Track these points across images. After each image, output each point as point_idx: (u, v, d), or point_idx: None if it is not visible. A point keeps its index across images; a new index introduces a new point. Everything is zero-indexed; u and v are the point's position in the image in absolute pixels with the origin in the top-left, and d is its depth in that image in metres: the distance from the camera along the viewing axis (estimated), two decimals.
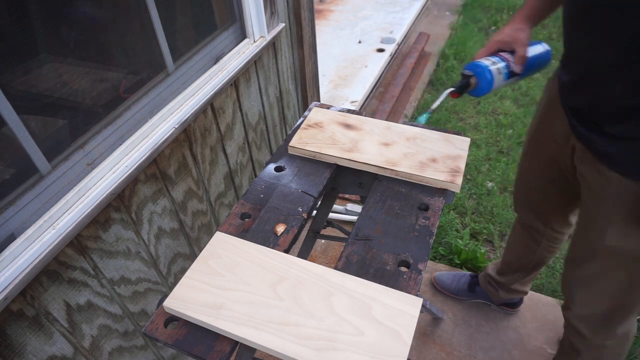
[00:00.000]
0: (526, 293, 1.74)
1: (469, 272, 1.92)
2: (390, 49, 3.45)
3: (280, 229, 0.99)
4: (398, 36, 3.61)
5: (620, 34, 0.80)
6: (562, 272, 1.27)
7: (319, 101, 2.54)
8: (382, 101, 3.03)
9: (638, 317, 1.29)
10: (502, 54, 1.08)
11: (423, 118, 1.13)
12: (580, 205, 1.12)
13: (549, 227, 1.43)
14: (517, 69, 1.06)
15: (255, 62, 1.67)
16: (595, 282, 1.11)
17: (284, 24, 1.81)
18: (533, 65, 1.10)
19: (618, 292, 1.08)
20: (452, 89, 1.08)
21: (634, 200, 0.93)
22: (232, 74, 1.50)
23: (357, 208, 2.30)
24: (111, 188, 1.10)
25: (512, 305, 1.83)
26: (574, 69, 0.97)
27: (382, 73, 3.33)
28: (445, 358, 1.75)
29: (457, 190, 1.07)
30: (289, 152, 1.20)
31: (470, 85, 1.07)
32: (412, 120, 2.59)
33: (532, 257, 1.55)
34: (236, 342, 0.82)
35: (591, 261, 1.09)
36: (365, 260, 0.92)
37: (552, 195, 1.31)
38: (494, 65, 1.05)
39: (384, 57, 3.34)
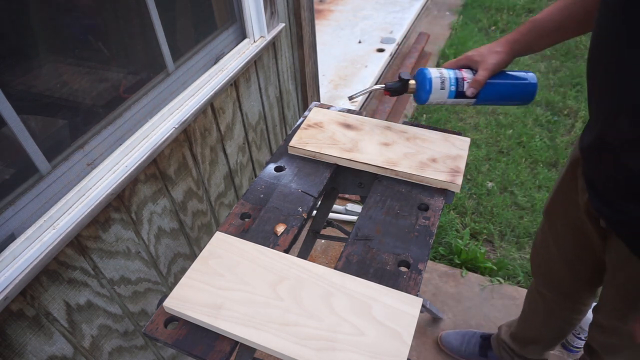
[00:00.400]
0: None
1: (479, 332, 1.72)
2: (390, 49, 3.45)
3: (280, 229, 0.99)
4: (398, 36, 3.61)
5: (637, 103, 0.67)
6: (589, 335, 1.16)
7: (319, 101, 2.54)
8: (382, 101, 3.03)
9: None
10: (464, 70, 1.02)
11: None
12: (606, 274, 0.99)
13: (571, 299, 1.26)
14: (468, 91, 0.99)
15: (255, 62, 1.67)
16: (620, 352, 1.04)
17: (284, 24, 1.81)
18: (498, 94, 1.01)
19: None
20: (383, 85, 1.05)
21: None
22: (232, 74, 1.50)
23: (357, 208, 2.30)
24: (111, 188, 1.10)
25: None
26: (590, 135, 0.83)
27: (382, 73, 3.33)
28: (445, 358, 1.75)
29: (457, 190, 1.07)
30: (289, 152, 1.20)
31: (408, 89, 1.04)
32: (412, 120, 2.59)
33: (552, 329, 1.39)
34: (236, 342, 0.82)
35: (627, 353, 1.02)
36: (365, 260, 0.92)
37: (578, 270, 1.15)
38: (442, 78, 0.99)
39: (384, 57, 3.34)
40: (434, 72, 1.01)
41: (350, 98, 1.08)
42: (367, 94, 1.05)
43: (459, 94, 1.00)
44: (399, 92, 1.06)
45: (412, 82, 1.03)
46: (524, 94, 1.03)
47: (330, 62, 3.31)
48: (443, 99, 1.01)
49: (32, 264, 0.93)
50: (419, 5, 4.13)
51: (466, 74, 1.01)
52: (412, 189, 1.08)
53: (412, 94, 1.08)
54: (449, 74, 1.00)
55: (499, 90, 1.02)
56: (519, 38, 0.94)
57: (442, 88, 0.99)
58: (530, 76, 1.02)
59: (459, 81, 0.99)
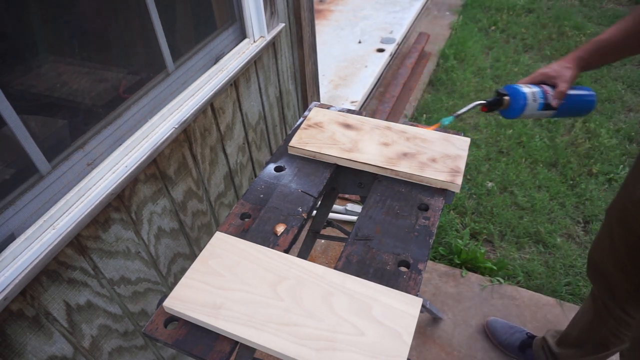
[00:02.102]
0: None
1: (526, 330, 1.75)
2: (390, 49, 3.45)
3: (280, 229, 0.99)
4: (398, 36, 3.61)
5: None
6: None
7: (319, 101, 2.54)
8: (382, 101, 3.03)
9: None
10: (543, 85, 1.09)
11: (447, 120, 1.12)
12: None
13: (619, 306, 1.27)
14: (554, 102, 1.06)
15: (255, 62, 1.67)
16: None
17: (284, 24, 1.81)
18: (572, 105, 1.10)
19: None
20: (482, 101, 1.11)
21: None
22: (232, 74, 1.50)
23: (357, 208, 2.30)
24: (111, 188, 1.10)
25: None
26: None
27: (382, 73, 3.33)
28: (445, 358, 1.75)
29: (457, 190, 1.07)
30: (289, 152, 1.20)
31: (503, 104, 1.09)
32: (412, 120, 2.59)
33: (595, 334, 1.38)
34: (236, 342, 0.82)
35: None
36: (365, 260, 0.92)
37: (630, 274, 1.16)
38: (531, 91, 1.06)
39: (384, 57, 3.34)
40: (523, 87, 1.07)
41: (457, 116, 1.12)
42: (471, 109, 1.13)
43: (546, 105, 1.07)
44: (494, 107, 1.11)
45: (506, 97, 1.08)
46: (590, 105, 1.13)
47: (330, 62, 3.31)
48: (533, 111, 1.07)
49: (32, 264, 0.93)
50: (419, 5, 4.13)
51: (547, 87, 1.08)
52: (412, 189, 1.08)
53: (499, 110, 1.12)
54: (534, 88, 1.07)
55: (574, 101, 1.10)
56: (585, 56, 1.04)
57: (534, 101, 1.05)
58: (591, 91, 1.13)
59: (544, 94, 1.06)
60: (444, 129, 1.22)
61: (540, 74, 1.09)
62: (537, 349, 1.63)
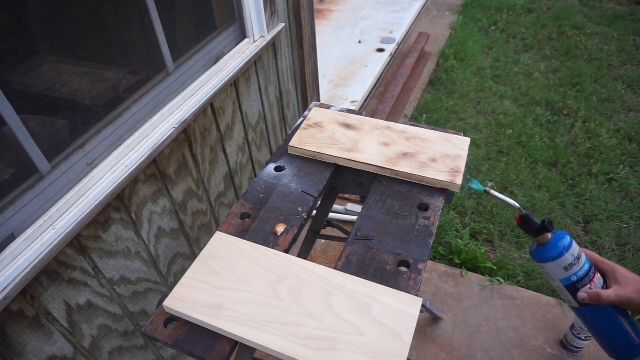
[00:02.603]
0: None
1: None
2: (390, 49, 3.45)
3: (280, 229, 0.99)
4: (398, 36, 3.61)
5: None
6: None
7: (319, 101, 2.54)
8: (382, 101, 3.03)
9: None
10: (598, 274, 0.86)
11: (477, 185, 0.96)
12: None
13: None
14: (580, 294, 0.84)
15: (255, 62, 1.67)
16: None
17: (284, 24, 1.81)
18: (601, 325, 0.86)
19: None
20: (523, 211, 0.88)
21: None
22: (232, 74, 1.50)
23: (357, 208, 2.30)
24: (111, 188, 1.10)
25: None
26: None
27: (382, 73, 3.33)
28: (445, 358, 1.75)
29: (457, 190, 1.07)
30: (289, 152, 1.20)
31: (540, 235, 0.87)
32: (412, 120, 2.59)
33: None
34: (236, 342, 0.82)
35: None
36: (365, 260, 0.92)
37: None
38: (575, 262, 0.84)
39: (384, 57, 3.34)
40: (574, 249, 0.85)
41: (486, 191, 0.96)
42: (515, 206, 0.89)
43: (572, 287, 0.86)
44: (530, 230, 0.89)
45: (548, 235, 0.87)
46: (624, 349, 0.86)
47: (330, 62, 3.31)
48: (554, 276, 0.88)
49: (32, 264, 0.93)
50: (419, 5, 4.13)
51: (597, 280, 0.85)
52: (412, 189, 1.08)
53: (528, 229, 0.89)
54: (584, 264, 0.85)
55: (607, 324, 0.85)
56: None
57: (566, 269, 0.85)
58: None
59: (584, 279, 0.84)
60: (444, 130, 1.22)
61: (612, 267, 0.84)
62: None
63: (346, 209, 2.31)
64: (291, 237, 0.98)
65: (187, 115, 1.33)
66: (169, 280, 1.45)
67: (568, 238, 0.85)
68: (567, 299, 0.88)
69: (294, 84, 2.12)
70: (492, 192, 0.95)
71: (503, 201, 0.92)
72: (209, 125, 1.49)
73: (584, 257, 0.85)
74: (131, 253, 1.24)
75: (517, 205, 0.89)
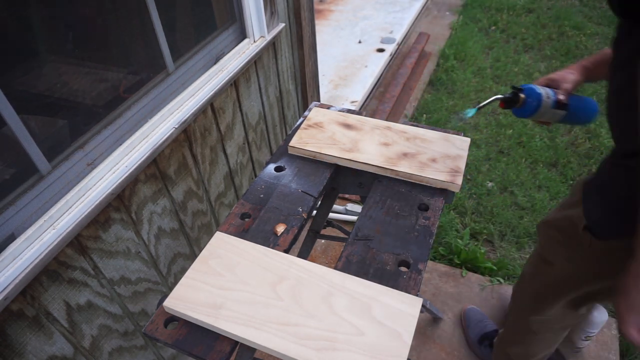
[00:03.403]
0: None
1: (496, 326, 1.74)
2: (390, 49, 3.45)
3: (280, 229, 0.99)
4: (398, 36, 3.61)
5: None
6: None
7: (319, 101, 2.54)
8: (382, 101, 3.03)
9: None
10: (549, 88, 1.12)
11: (471, 112, 1.13)
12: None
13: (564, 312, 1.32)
14: (561, 97, 1.08)
15: (255, 62, 1.67)
16: (539, 334, 1.28)
17: (284, 24, 1.81)
18: (578, 107, 1.12)
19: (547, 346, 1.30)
20: (501, 96, 1.11)
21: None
22: (232, 74, 1.50)
23: (357, 208, 2.30)
24: (111, 188, 1.10)
25: None
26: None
27: (382, 73, 3.33)
28: (445, 358, 1.75)
29: (457, 190, 1.07)
30: (289, 152, 1.20)
31: (519, 101, 1.09)
32: (412, 120, 2.59)
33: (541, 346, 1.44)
34: (236, 342, 0.82)
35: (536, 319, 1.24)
36: (365, 260, 0.92)
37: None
38: (544, 90, 1.08)
39: (384, 57, 3.34)
40: (544, 93, 1.08)
41: (480, 108, 1.12)
42: (490, 102, 1.14)
43: (557, 103, 1.08)
44: (510, 103, 1.11)
45: (522, 95, 1.09)
46: (593, 111, 1.15)
47: (330, 62, 3.31)
48: (547, 109, 1.08)
49: (32, 264, 0.93)
50: (419, 5, 4.13)
51: (553, 90, 1.11)
52: (412, 189, 1.08)
53: (513, 108, 1.13)
54: (544, 88, 1.09)
55: (579, 103, 1.12)
56: (590, 67, 1.06)
57: (548, 98, 1.07)
58: (594, 100, 1.17)
59: (554, 92, 1.08)
60: (444, 130, 1.22)
61: (545, 78, 1.11)
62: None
63: (346, 209, 2.31)
64: (291, 237, 0.98)
65: (187, 115, 1.33)
66: (169, 280, 1.45)
67: (531, 85, 1.08)
68: (559, 118, 1.11)
69: (294, 84, 2.12)
70: (481, 103, 1.12)
71: (490, 103, 1.12)
72: (209, 125, 1.49)
73: (542, 87, 1.10)
74: (131, 253, 1.24)
75: (497, 96, 1.11)
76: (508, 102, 1.11)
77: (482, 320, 1.78)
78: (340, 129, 1.23)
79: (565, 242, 1.08)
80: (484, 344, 1.70)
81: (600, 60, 1.05)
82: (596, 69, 1.07)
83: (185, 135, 1.38)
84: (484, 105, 1.11)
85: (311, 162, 1.17)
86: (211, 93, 1.42)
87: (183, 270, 1.50)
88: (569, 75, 1.08)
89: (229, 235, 0.97)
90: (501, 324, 1.77)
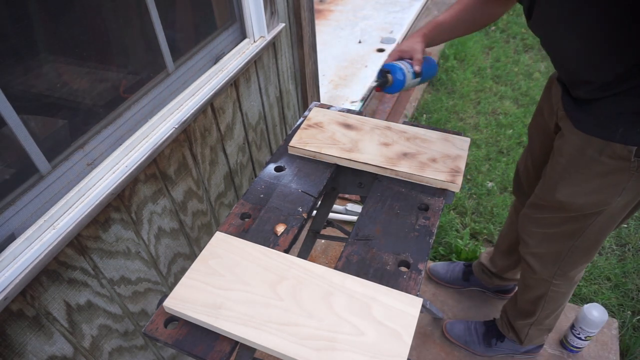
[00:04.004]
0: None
1: (462, 262, 1.96)
2: (390, 49, 3.45)
3: (280, 229, 0.99)
4: (398, 36, 3.61)
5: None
6: (522, 212, 1.37)
7: (319, 101, 2.54)
8: (382, 101, 3.03)
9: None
10: (403, 60, 1.24)
11: (359, 105, 1.27)
12: (548, 162, 1.27)
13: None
14: (417, 68, 1.21)
15: (255, 62, 1.67)
16: (550, 226, 1.26)
17: (284, 24, 1.81)
18: (427, 70, 1.27)
19: (568, 238, 1.24)
20: (374, 83, 1.22)
21: (578, 156, 1.08)
22: (232, 74, 1.50)
23: (357, 208, 2.30)
24: (111, 188, 1.10)
25: (506, 291, 1.89)
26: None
27: None
28: (445, 358, 1.75)
29: (457, 190, 1.07)
30: (289, 152, 1.20)
31: (388, 82, 1.20)
32: (412, 120, 2.59)
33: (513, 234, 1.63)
34: (236, 342, 0.82)
35: (547, 210, 1.24)
36: (365, 260, 0.92)
37: (539, 176, 1.35)
38: (403, 65, 1.21)
39: (384, 57, 3.34)
40: (397, 63, 1.22)
41: (364, 99, 1.24)
42: (370, 91, 1.24)
43: (415, 74, 1.22)
44: (383, 85, 1.22)
45: (389, 75, 1.19)
46: (436, 68, 1.33)
47: (330, 62, 3.31)
48: (409, 81, 1.22)
49: (32, 264, 0.93)
50: (419, 5, 4.13)
51: (407, 61, 1.25)
52: (412, 189, 1.08)
53: (386, 88, 1.24)
54: (401, 62, 1.23)
55: (428, 67, 1.27)
56: (428, 34, 1.24)
57: (408, 71, 1.19)
58: (433, 59, 1.34)
59: (410, 65, 1.22)
60: (444, 130, 1.22)
61: (397, 51, 1.24)
62: (478, 273, 1.86)
63: (346, 209, 2.31)
64: (291, 237, 0.98)
65: (187, 115, 1.33)
66: (169, 280, 1.45)
67: (392, 64, 1.20)
68: (417, 84, 1.25)
69: (294, 84, 2.12)
70: (365, 94, 1.29)
71: (370, 90, 1.29)
72: (209, 125, 1.49)
73: (399, 62, 1.23)
74: (131, 253, 1.24)
75: (372, 84, 1.22)
76: (381, 85, 1.22)
77: (468, 327, 1.78)
78: (340, 129, 1.23)
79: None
80: (471, 279, 1.82)
81: (434, 28, 1.25)
82: (433, 36, 1.25)
83: (185, 135, 1.38)
84: (368, 97, 1.23)
85: (311, 162, 1.17)
86: (211, 93, 1.42)
87: (183, 270, 1.50)
88: (416, 45, 1.22)
89: (229, 235, 0.97)
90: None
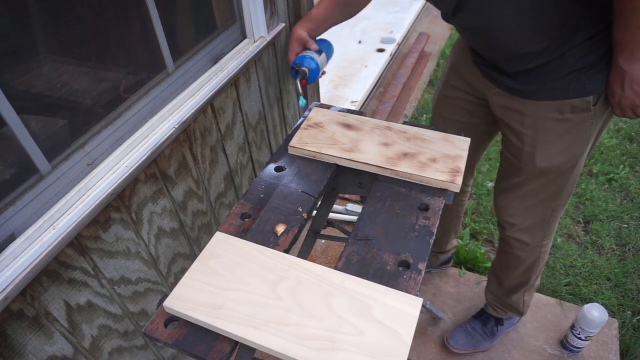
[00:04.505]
0: (457, 245, 2.03)
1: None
2: (390, 49, 3.45)
3: (280, 229, 0.99)
4: (398, 36, 3.61)
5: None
6: (495, 199, 1.45)
7: (319, 101, 2.54)
8: (382, 101, 3.03)
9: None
10: (305, 50, 1.46)
11: (302, 101, 1.45)
12: (505, 147, 1.34)
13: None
14: (314, 47, 1.45)
15: (255, 62, 1.67)
16: (532, 197, 1.34)
17: (284, 24, 1.81)
18: (328, 48, 1.54)
19: (551, 200, 1.33)
20: (297, 80, 1.40)
21: (543, 122, 1.17)
22: (232, 74, 1.50)
23: (357, 208, 2.30)
24: (111, 188, 1.10)
25: (447, 261, 2.04)
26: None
27: (382, 73, 3.33)
28: (445, 358, 1.75)
29: (457, 190, 1.07)
30: (289, 152, 1.20)
31: (306, 72, 1.36)
32: (412, 120, 2.59)
33: (450, 215, 1.81)
34: (236, 342, 0.82)
35: (526, 183, 1.31)
36: (365, 260, 0.92)
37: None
38: (310, 54, 1.38)
39: (384, 57, 3.34)
40: (306, 54, 1.41)
41: (299, 95, 1.47)
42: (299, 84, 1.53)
43: (318, 52, 1.41)
44: (304, 76, 1.40)
45: (304, 68, 1.37)
46: (331, 45, 1.59)
47: (330, 62, 3.30)
48: (321, 61, 1.43)
49: (32, 264, 0.93)
50: (419, 5, 4.13)
51: (308, 50, 1.47)
52: (412, 189, 1.08)
53: (307, 79, 1.42)
54: (307, 52, 1.43)
55: (327, 46, 1.54)
56: (312, 26, 1.48)
57: (314, 55, 1.39)
58: (327, 40, 1.59)
59: (310, 51, 1.41)
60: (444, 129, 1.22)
61: (295, 43, 1.47)
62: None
63: (346, 209, 2.31)
64: (291, 237, 0.98)
65: (187, 115, 1.33)
66: (169, 280, 1.45)
67: (304, 56, 1.42)
68: (324, 60, 1.51)
69: (294, 84, 2.12)
70: (299, 91, 1.48)
71: (300, 87, 1.46)
72: (209, 125, 1.49)
73: (304, 53, 1.46)
74: (131, 253, 1.24)
75: (297, 80, 1.42)
76: (303, 77, 1.38)
77: (466, 330, 1.78)
78: (340, 129, 1.23)
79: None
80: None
81: (311, 22, 1.47)
82: (310, 28, 1.47)
83: (185, 135, 1.38)
84: (301, 93, 1.41)
85: (311, 162, 1.17)
86: (211, 93, 1.42)
87: (183, 270, 1.50)
88: (305, 36, 1.46)
89: (229, 235, 0.97)
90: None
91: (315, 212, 1.36)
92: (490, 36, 1.12)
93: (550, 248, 1.53)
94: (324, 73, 1.37)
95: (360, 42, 3.56)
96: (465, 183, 1.69)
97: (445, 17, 1.17)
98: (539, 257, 1.51)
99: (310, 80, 1.36)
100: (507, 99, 1.22)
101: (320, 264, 0.92)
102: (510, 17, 1.04)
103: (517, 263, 1.53)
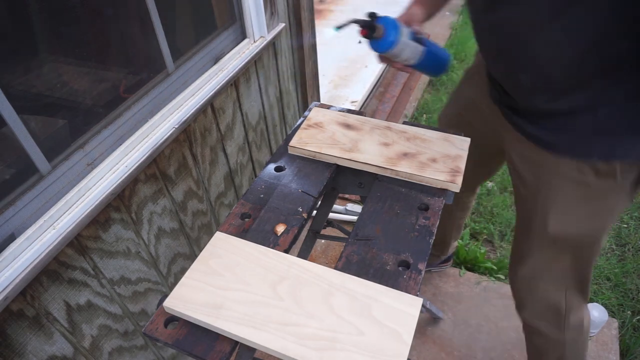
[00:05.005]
0: (456, 246, 2.03)
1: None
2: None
3: (280, 229, 0.99)
4: None
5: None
6: (509, 273, 1.28)
7: (319, 101, 2.54)
8: (382, 101, 3.03)
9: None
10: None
11: (333, 31, 1.06)
12: (517, 202, 1.19)
13: (460, 199, 1.58)
14: (415, 28, 1.07)
15: (255, 62, 1.67)
16: (543, 274, 1.16)
17: (284, 24, 1.81)
18: (434, 49, 1.14)
19: (564, 279, 1.14)
20: (359, 19, 1.03)
21: (570, 182, 0.99)
22: (232, 74, 1.50)
23: (357, 208, 2.30)
24: (111, 188, 1.10)
25: (447, 259, 2.02)
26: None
27: (382, 73, 3.33)
28: (445, 358, 1.75)
29: (457, 190, 1.07)
30: (289, 152, 1.20)
31: (377, 30, 1.02)
32: (413, 120, 2.59)
33: (451, 227, 1.80)
34: (236, 342, 0.82)
35: (537, 254, 1.14)
36: (365, 260, 0.92)
37: (470, 171, 1.22)
38: (406, 30, 1.06)
39: None
40: (405, 27, 1.06)
41: (339, 27, 1.05)
42: (350, 24, 1.05)
43: (414, 34, 1.07)
44: (371, 33, 1.04)
45: (380, 25, 1.02)
46: (447, 59, 1.21)
47: (330, 62, 3.31)
48: (406, 41, 1.05)
49: (32, 264, 0.93)
50: None
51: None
52: (412, 189, 1.08)
53: (373, 40, 1.07)
54: (406, 28, 1.08)
55: (433, 50, 1.15)
56: (429, 2, 1.15)
57: (405, 28, 1.05)
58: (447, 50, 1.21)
59: (408, 26, 1.08)
60: (444, 129, 1.22)
61: (404, 13, 1.14)
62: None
63: (346, 209, 2.31)
64: (291, 237, 0.98)
65: (187, 115, 1.33)
66: (169, 280, 1.45)
67: (386, 17, 1.03)
68: (418, 54, 1.09)
69: (294, 84, 2.12)
70: (340, 25, 1.04)
71: (348, 25, 1.04)
72: (209, 125, 1.50)
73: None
74: (131, 253, 1.24)
75: (356, 18, 1.02)
76: (368, 30, 1.03)
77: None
78: (340, 129, 1.23)
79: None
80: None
81: (420, 4, 1.14)
82: (432, 6, 1.15)
83: (185, 135, 1.38)
84: (342, 27, 1.04)
85: (311, 162, 1.17)
86: (211, 93, 1.42)
87: (183, 270, 1.50)
88: (416, 11, 1.09)
89: (229, 235, 0.97)
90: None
91: (315, 212, 1.36)
92: (519, 42, 0.92)
93: (586, 342, 1.29)
94: (398, 62, 1.12)
95: (360, 42, 3.56)
96: (466, 199, 1.65)
97: (476, 12, 0.99)
98: (563, 355, 1.27)
99: (377, 45, 1.05)
100: (525, 147, 1.05)
101: (320, 264, 0.92)
102: (539, 17, 0.85)
103: (537, 357, 1.34)
